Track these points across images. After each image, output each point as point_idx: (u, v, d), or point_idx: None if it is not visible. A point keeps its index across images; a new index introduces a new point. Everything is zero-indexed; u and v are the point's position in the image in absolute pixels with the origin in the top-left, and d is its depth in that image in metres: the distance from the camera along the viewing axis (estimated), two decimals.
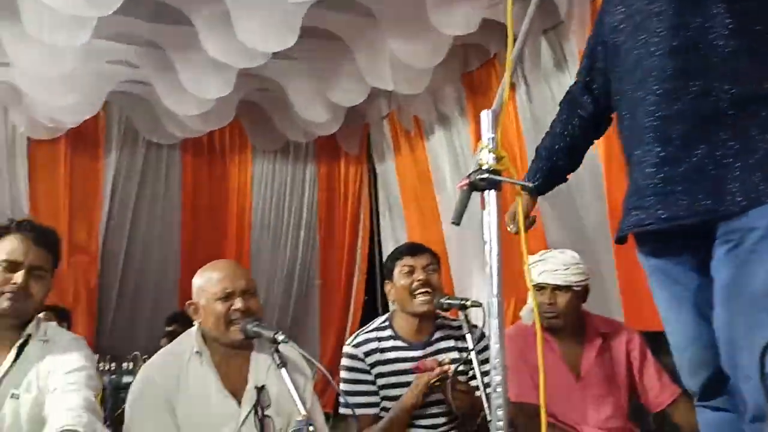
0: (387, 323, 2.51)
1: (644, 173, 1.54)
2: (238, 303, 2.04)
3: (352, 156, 5.90)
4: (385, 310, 3.58)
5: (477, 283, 4.39)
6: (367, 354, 2.43)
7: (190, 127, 4.84)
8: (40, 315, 2.06)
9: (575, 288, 2.54)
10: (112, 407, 3.61)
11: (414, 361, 2.38)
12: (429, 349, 2.44)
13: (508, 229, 1.98)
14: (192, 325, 2.18)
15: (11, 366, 1.84)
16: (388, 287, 2.52)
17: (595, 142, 3.39)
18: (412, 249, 2.50)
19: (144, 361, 2.97)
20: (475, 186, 1.41)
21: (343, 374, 2.44)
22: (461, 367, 2.39)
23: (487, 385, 2.14)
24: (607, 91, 1.78)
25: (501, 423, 1.33)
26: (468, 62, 4.44)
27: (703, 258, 1.51)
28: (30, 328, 1.91)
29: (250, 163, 5.64)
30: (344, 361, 2.45)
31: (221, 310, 2.04)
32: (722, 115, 1.45)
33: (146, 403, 2.01)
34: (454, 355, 2.44)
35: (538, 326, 1.45)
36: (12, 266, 1.86)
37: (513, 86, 3.37)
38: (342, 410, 2.39)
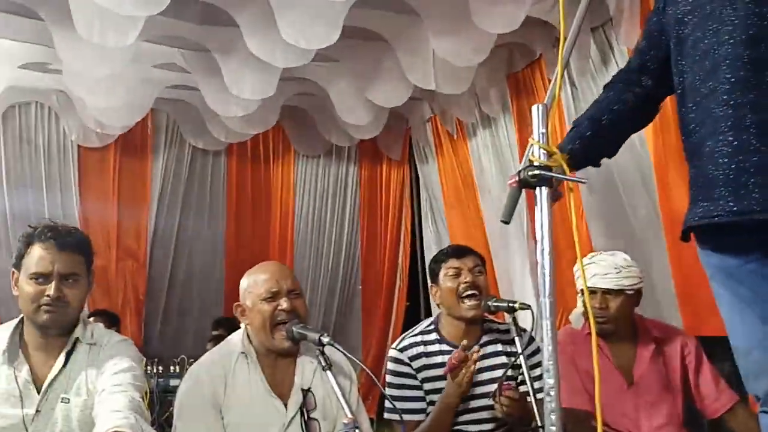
0: (433, 327, 2.47)
1: (716, 163, 1.45)
2: (283, 303, 2.03)
3: (394, 159, 5.89)
4: (428, 315, 3.55)
5: (522, 287, 4.31)
6: (413, 358, 2.39)
7: (234, 131, 4.90)
8: (90, 320, 2.08)
9: (627, 292, 2.46)
10: (159, 410, 3.67)
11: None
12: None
13: None
14: (237, 330, 2.18)
15: (60, 371, 1.87)
16: (433, 290, 2.48)
17: (646, 138, 3.34)
18: (458, 251, 2.46)
19: (190, 364, 3.01)
20: (526, 183, 1.38)
21: (388, 378, 2.40)
22: (510, 373, 2.34)
23: (537, 391, 2.08)
24: (661, 77, 1.70)
25: (554, 428, 1.29)
26: (513, 63, 4.38)
27: None
28: (77, 332, 1.93)
29: (293, 167, 5.68)
30: (390, 365, 2.42)
31: (267, 311, 2.04)
32: None
33: (194, 403, 2.02)
34: (503, 359, 2.38)
35: (593, 332, 1.39)
36: (42, 278, 1.85)
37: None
38: (387, 415, 2.35)
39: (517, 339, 2.15)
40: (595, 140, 1.72)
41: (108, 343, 1.95)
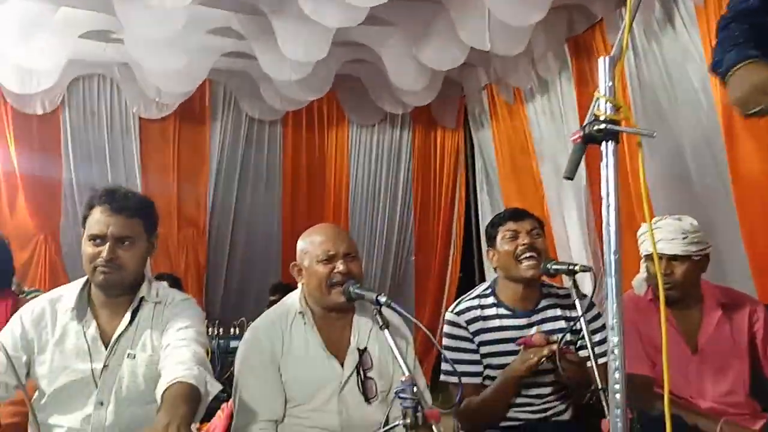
0: (490, 290, 2.43)
1: None
2: (340, 265, 2.05)
3: (449, 128, 5.82)
4: None
5: (580, 256, 4.23)
6: (470, 322, 2.37)
7: (289, 98, 4.93)
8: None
9: (694, 257, 2.38)
10: (220, 371, 3.78)
11: (518, 330, 2.30)
12: (534, 318, 2.35)
13: None
14: None
15: (126, 328, 1.93)
16: (490, 254, 2.45)
17: (715, 99, 3.19)
18: (516, 214, 2.41)
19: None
20: (591, 138, 1.32)
21: (445, 342, 2.39)
22: (569, 337, 2.30)
23: (600, 356, 2.04)
24: None
25: (618, 386, 1.26)
26: (572, 26, 4.24)
27: None
28: (142, 291, 1.98)
29: (347, 136, 5.69)
30: (446, 329, 2.41)
31: (323, 272, 2.06)
32: None
33: (253, 360, 2.07)
34: (561, 324, 2.34)
35: (662, 299, 1.34)
36: (99, 239, 1.90)
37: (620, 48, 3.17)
38: (444, 378, 2.34)
39: (577, 302, 2.09)
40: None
41: (172, 302, 2.01)
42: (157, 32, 3.70)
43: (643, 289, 2.52)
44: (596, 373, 1.95)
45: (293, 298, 2.18)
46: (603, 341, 2.23)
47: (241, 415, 2.02)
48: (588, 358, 2.07)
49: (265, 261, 5.49)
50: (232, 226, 5.45)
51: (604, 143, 1.31)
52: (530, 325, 2.32)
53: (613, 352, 1.27)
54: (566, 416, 2.34)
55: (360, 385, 2.07)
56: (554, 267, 2.22)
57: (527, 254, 2.28)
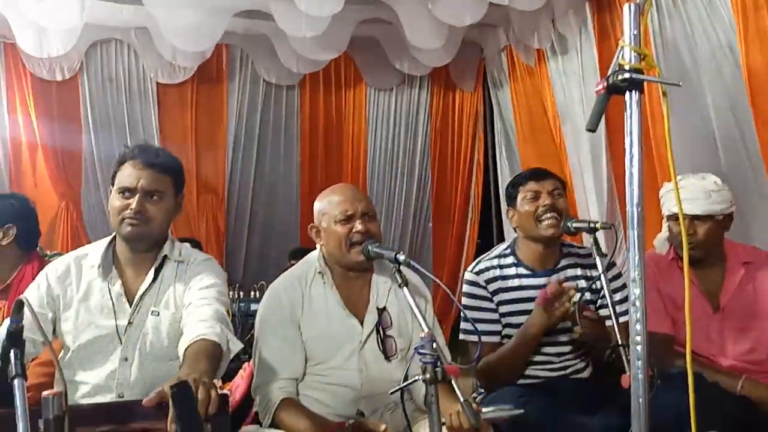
0: (509, 250, 2.43)
1: None
2: (358, 225, 2.05)
3: (467, 90, 5.75)
4: None
5: (601, 219, 4.18)
6: (489, 281, 2.37)
7: (305, 59, 4.87)
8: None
9: (717, 217, 2.35)
10: (241, 333, 3.83)
11: (538, 289, 2.28)
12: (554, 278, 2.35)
13: None
14: None
15: (150, 285, 1.96)
16: (510, 214, 2.44)
17: (741, 57, 3.11)
18: (537, 174, 2.38)
19: None
20: (615, 88, 1.29)
21: (464, 301, 2.40)
22: (588, 296, 2.29)
23: (620, 315, 2.04)
24: None
25: (639, 337, 1.25)
26: None
27: None
28: (165, 249, 2.00)
29: (365, 100, 5.63)
30: (465, 288, 2.41)
31: (342, 232, 2.06)
32: None
33: (273, 319, 2.09)
34: (582, 283, 2.33)
35: (686, 260, 1.33)
36: (128, 192, 1.92)
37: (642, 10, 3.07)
38: (462, 336, 2.35)
39: (598, 259, 2.07)
40: None
41: (194, 261, 2.03)
42: None
43: (664, 248, 2.50)
44: (616, 331, 1.94)
45: (312, 258, 2.19)
46: (623, 300, 2.23)
47: (261, 374, 2.05)
48: (608, 316, 2.07)
49: (284, 226, 5.50)
50: (252, 191, 5.46)
51: (628, 93, 1.28)
52: None
53: (634, 304, 1.26)
54: (585, 374, 2.35)
55: (380, 344, 2.08)
56: (575, 225, 2.20)
57: (548, 215, 2.26)
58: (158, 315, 1.94)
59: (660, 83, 1.33)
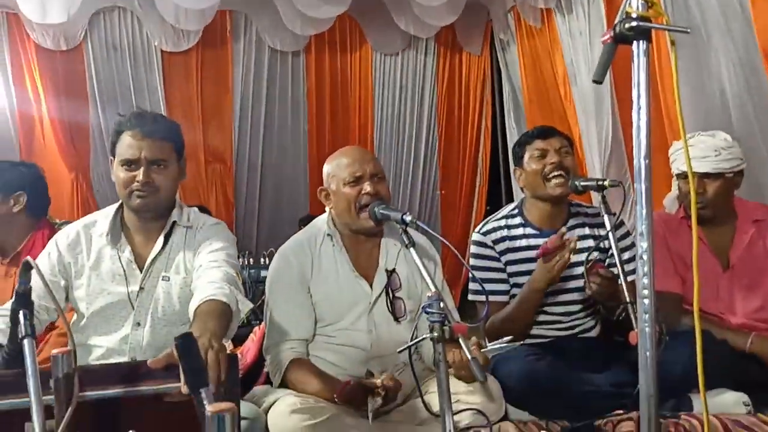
0: (517, 211, 2.42)
1: None
2: (367, 187, 2.04)
3: (474, 54, 5.67)
4: None
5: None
6: (496, 242, 2.37)
7: (309, 18, 4.77)
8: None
9: (727, 175, 2.32)
10: (252, 299, 3.86)
11: None
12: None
13: None
14: None
15: (160, 251, 1.97)
16: (517, 174, 2.42)
17: (753, 16, 3.03)
18: (544, 132, 2.36)
19: None
20: (622, 37, 1.27)
21: (472, 261, 2.40)
22: (597, 255, 2.29)
23: (629, 273, 2.03)
24: None
25: (646, 291, 1.25)
26: None
27: None
28: (174, 216, 2.01)
29: (371, 65, 5.57)
30: (473, 249, 2.41)
31: (351, 194, 2.06)
32: None
33: (283, 282, 2.10)
34: (590, 243, 2.32)
35: (694, 218, 1.31)
36: (132, 164, 1.91)
37: None
38: (471, 297, 2.36)
39: (606, 217, 2.05)
40: None
41: (203, 226, 2.03)
42: None
43: (674, 207, 2.48)
44: (625, 289, 1.94)
45: (321, 221, 2.19)
46: (632, 259, 2.22)
47: (272, 335, 2.07)
48: (617, 275, 2.06)
49: (293, 192, 5.50)
50: (260, 159, 5.44)
51: (635, 42, 1.26)
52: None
53: (642, 257, 1.25)
54: (593, 333, 2.36)
55: (389, 305, 2.10)
56: (582, 183, 2.18)
57: (555, 173, 2.24)
58: (169, 280, 1.95)
59: (668, 30, 1.29)
